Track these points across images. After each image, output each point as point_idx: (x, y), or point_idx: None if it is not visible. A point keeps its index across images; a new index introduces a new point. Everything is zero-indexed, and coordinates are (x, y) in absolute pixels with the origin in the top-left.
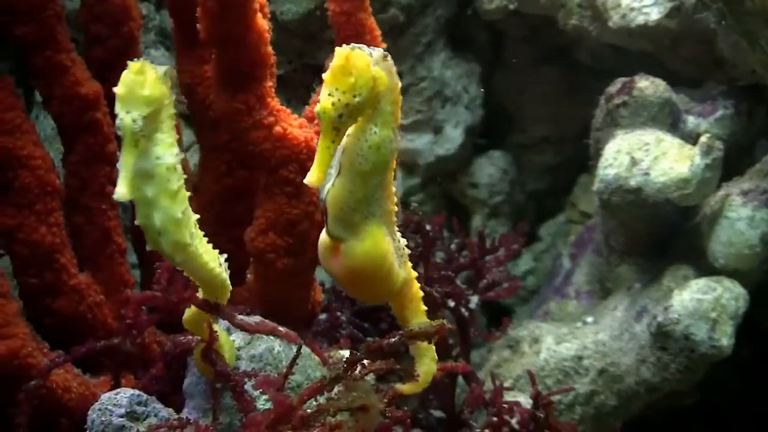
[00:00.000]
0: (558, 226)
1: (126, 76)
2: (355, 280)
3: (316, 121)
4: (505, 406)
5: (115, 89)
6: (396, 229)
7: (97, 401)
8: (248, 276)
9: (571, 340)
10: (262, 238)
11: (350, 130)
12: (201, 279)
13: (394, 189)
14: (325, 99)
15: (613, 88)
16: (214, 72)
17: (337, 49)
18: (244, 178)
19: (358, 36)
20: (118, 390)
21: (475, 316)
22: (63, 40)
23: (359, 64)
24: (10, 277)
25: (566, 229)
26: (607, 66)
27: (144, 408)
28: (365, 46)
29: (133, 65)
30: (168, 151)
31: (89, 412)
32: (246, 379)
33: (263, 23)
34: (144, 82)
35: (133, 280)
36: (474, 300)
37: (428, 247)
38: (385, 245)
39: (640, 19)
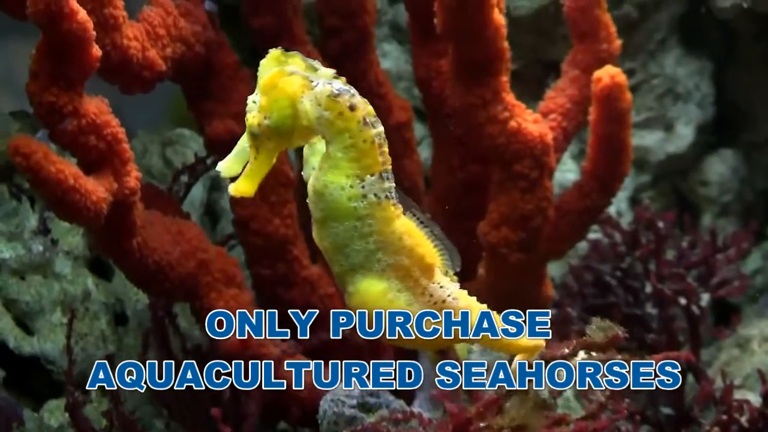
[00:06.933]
0: None
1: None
2: None
3: (551, 116)
4: (735, 403)
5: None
6: (441, 281)
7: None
8: (480, 270)
9: None
10: (495, 232)
11: None
12: None
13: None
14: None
15: None
16: (451, 66)
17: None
18: (477, 172)
19: (593, 32)
20: None
21: (706, 314)
22: (299, 32)
23: (283, 87)
24: (243, 267)
25: None
26: None
27: (376, 399)
28: (326, 75)
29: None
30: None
31: (321, 403)
32: None
33: (500, 17)
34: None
35: None
36: (705, 298)
37: (660, 243)
38: (381, 302)
39: None
